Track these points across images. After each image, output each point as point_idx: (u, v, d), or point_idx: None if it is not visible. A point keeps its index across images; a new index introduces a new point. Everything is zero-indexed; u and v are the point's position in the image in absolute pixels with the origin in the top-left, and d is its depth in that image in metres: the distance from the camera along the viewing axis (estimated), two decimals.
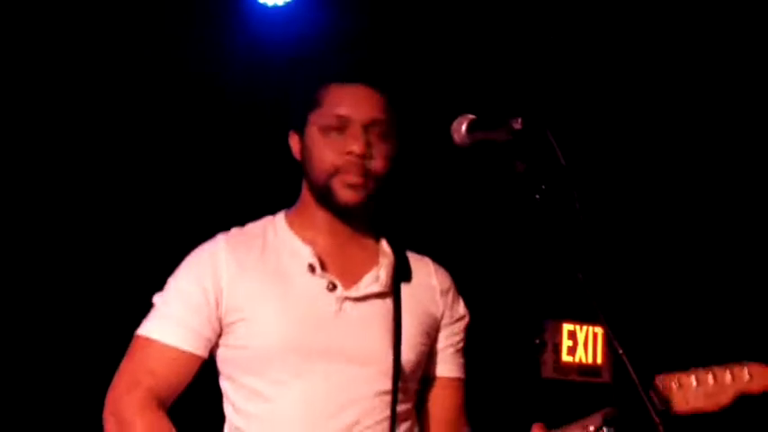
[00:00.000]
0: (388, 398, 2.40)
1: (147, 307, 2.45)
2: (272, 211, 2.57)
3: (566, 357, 6.46)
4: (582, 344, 6.51)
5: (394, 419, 2.40)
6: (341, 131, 2.41)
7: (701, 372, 2.29)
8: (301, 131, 2.47)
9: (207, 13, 5.09)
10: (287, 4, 5.13)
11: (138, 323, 2.44)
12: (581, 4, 5.42)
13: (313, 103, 2.45)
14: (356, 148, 2.39)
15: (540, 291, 5.94)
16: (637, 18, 5.42)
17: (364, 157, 2.39)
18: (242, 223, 2.56)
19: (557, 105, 5.40)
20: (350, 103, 2.42)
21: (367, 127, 2.41)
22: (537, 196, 2.13)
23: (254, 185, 4.96)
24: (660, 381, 2.28)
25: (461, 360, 2.61)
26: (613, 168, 5.88)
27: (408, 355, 2.44)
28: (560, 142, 2.10)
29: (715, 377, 2.28)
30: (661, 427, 2.02)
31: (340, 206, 2.42)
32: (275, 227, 2.51)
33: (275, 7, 5.13)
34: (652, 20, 5.42)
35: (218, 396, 2.48)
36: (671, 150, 5.83)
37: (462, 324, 2.60)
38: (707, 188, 5.86)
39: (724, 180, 5.82)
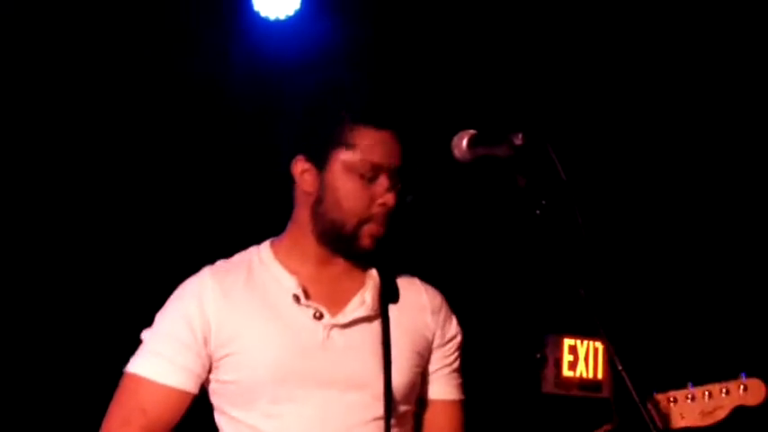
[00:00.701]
0: (383, 423, 2.37)
1: (135, 342, 2.44)
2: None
3: (566, 372, 6.44)
4: (583, 359, 6.49)
5: None
6: (372, 179, 2.39)
7: (696, 389, 2.31)
8: (320, 165, 2.42)
9: (208, 27, 5.10)
10: (288, 18, 5.13)
11: (126, 358, 2.43)
12: (581, 19, 5.42)
13: (340, 141, 2.40)
14: (391, 201, 2.40)
15: (541, 305, 5.93)
16: (637, 33, 5.43)
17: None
18: (233, 245, 2.54)
19: (557, 120, 5.40)
20: (383, 152, 2.40)
21: (393, 176, 2.41)
22: (538, 211, 2.13)
23: (258, 198, 4.95)
24: (656, 398, 2.29)
25: (458, 380, 2.58)
26: (615, 183, 5.87)
27: (400, 377, 2.41)
28: (561, 157, 2.10)
29: (710, 394, 2.30)
30: None
31: (357, 252, 2.43)
32: (260, 257, 2.49)
33: (277, 21, 5.14)
34: (653, 35, 5.42)
35: (213, 430, 2.47)
36: (673, 165, 5.82)
37: (455, 344, 2.57)
38: (709, 204, 5.85)
39: (727, 197, 5.81)
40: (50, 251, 4.89)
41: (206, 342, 2.38)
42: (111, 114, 4.97)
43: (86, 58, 4.88)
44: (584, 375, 6.49)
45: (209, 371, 2.41)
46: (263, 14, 5.13)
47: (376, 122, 2.41)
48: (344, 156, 2.40)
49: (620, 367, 2.04)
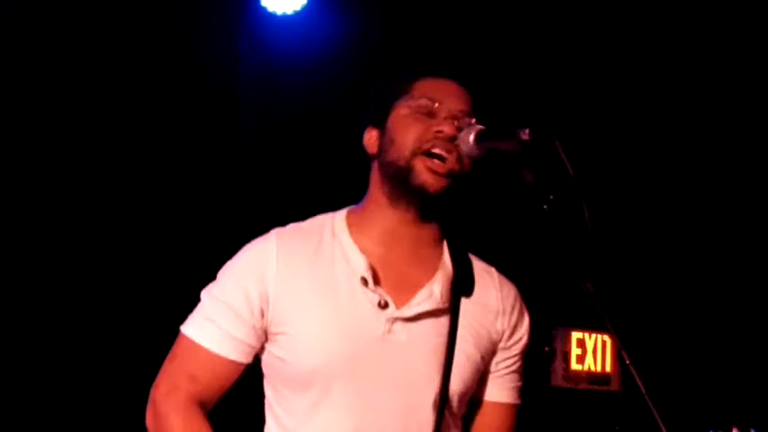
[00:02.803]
0: (430, 428, 2.28)
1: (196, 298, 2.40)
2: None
3: (575, 366, 6.45)
4: (591, 352, 6.50)
5: None
6: (431, 115, 2.33)
7: None
8: (382, 123, 2.37)
9: (216, 22, 5.11)
10: (296, 13, 5.14)
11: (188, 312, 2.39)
12: (589, 15, 5.42)
13: (400, 93, 2.37)
14: (447, 128, 2.29)
15: (549, 299, 5.93)
16: (647, 29, 5.42)
17: (454, 139, 2.29)
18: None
19: (565, 115, 5.40)
20: (443, 93, 2.36)
21: (456, 118, 2.33)
22: (545, 206, 2.12)
23: (267, 194, 4.97)
24: None
25: (516, 384, 2.51)
26: (622, 178, 5.87)
27: (458, 384, 2.31)
28: (568, 152, 2.10)
29: None
30: None
31: (419, 190, 2.29)
32: (333, 227, 2.36)
33: (284, 16, 5.15)
34: (661, 30, 5.42)
35: (260, 399, 2.42)
36: (681, 160, 5.82)
37: (521, 345, 2.49)
38: (716, 199, 5.85)
39: (734, 192, 5.81)
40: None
41: (262, 314, 2.29)
42: (122, 110, 5.00)
43: (92, 55, 4.89)
44: (593, 369, 6.49)
45: (266, 340, 2.33)
46: (270, 10, 5.14)
47: (437, 73, 2.40)
48: (403, 101, 2.36)
49: (628, 361, 2.03)
